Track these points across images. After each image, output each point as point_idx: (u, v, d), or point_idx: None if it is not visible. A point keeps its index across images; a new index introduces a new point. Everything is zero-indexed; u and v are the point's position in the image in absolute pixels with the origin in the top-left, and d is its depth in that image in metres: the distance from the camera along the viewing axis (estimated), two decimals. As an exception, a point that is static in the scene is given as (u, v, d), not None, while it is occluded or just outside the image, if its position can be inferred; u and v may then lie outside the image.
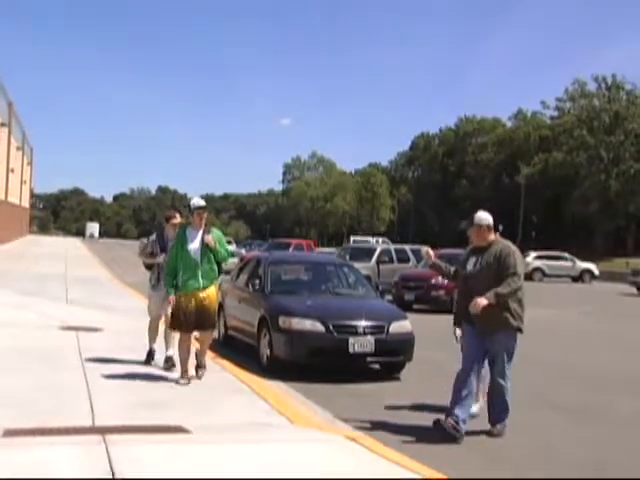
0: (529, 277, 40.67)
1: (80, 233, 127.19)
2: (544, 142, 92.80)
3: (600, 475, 6.93)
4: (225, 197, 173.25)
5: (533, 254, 51.79)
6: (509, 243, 8.41)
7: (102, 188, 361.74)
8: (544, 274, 49.26)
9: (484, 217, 8.44)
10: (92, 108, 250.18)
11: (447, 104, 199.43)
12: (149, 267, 10.66)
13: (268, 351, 11.35)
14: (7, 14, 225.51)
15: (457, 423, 7.68)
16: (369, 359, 11.12)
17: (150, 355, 10.27)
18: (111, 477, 5.34)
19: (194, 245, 9.39)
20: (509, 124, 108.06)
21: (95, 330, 13.04)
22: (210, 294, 9.42)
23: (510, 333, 8.16)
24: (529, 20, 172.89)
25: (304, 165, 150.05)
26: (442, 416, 7.83)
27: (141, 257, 10.80)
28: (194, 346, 9.61)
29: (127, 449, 6.03)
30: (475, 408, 8.52)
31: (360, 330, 10.83)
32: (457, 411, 7.81)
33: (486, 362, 8.42)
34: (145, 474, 5.42)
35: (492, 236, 8.40)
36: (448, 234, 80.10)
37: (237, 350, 12.02)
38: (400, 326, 11.23)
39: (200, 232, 9.42)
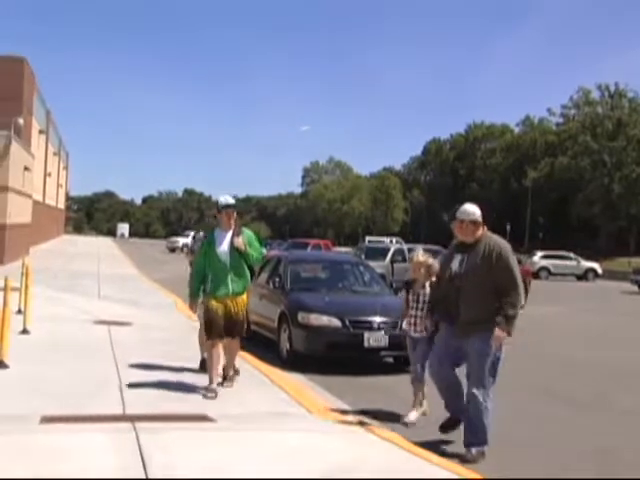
0: (536, 276, 40.55)
1: (111, 233, 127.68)
2: (550, 147, 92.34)
3: (601, 463, 6.93)
4: (247, 199, 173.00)
5: (539, 253, 51.71)
6: (499, 240, 7.13)
7: (132, 191, 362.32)
8: (550, 273, 49.14)
9: (470, 211, 7.14)
10: (123, 115, 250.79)
11: (458, 111, 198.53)
12: None
13: (288, 345, 11.39)
14: (40, 22, 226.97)
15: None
16: (383, 353, 11.13)
17: (203, 363, 9.09)
18: (141, 461, 5.38)
19: (223, 248, 8.36)
20: (517, 130, 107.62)
21: (125, 324, 13.11)
22: (239, 302, 8.40)
23: (486, 334, 6.80)
24: (537, 30, 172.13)
25: (322, 169, 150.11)
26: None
27: (188, 257, 10.27)
28: (223, 354, 8.54)
29: (155, 436, 6.07)
30: (412, 416, 7.88)
31: (375, 325, 10.85)
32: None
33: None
34: (172, 459, 5.47)
35: (479, 231, 7.08)
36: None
37: (259, 344, 12.04)
38: (412, 322, 11.16)
39: (229, 233, 8.40)
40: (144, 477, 5.06)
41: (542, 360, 13.37)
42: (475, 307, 6.86)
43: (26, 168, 34.25)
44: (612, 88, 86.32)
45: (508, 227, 74.59)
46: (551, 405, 9.48)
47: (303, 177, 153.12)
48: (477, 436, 6.77)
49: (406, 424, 7.72)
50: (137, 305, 16.90)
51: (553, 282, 44.65)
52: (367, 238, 57.30)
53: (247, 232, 8.66)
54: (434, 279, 7.97)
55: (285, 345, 11.51)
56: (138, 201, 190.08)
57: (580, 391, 10.48)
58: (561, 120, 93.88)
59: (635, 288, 38.84)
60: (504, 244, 7.07)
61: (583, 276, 50.52)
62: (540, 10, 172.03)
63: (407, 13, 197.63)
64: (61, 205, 75.31)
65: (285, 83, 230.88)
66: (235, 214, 8.56)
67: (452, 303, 7.11)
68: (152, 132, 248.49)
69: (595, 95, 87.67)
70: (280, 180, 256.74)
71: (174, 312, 15.98)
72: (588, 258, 54.88)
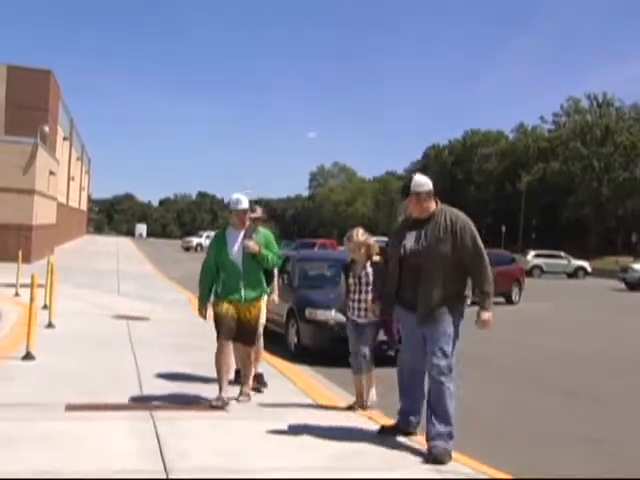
0: (529, 274, 40.55)
1: (130, 233, 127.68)
2: (543, 153, 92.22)
3: (597, 451, 6.93)
4: (257, 201, 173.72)
5: (532, 253, 51.68)
6: (457, 211, 6.06)
7: (149, 193, 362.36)
8: (542, 271, 49.07)
9: (423, 181, 6.06)
10: (142, 122, 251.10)
11: (456, 118, 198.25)
12: None
13: (296, 339, 11.41)
14: (64, 35, 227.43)
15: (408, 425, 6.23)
16: (384, 347, 11.13)
17: (239, 374, 7.78)
18: (158, 447, 5.42)
19: (235, 250, 7.18)
20: (511, 136, 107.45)
21: (143, 319, 13.14)
22: (252, 309, 7.23)
23: (450, 317, 5.83)
24: (531, 43, 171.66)
25: (328, 173, 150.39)
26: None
27: None
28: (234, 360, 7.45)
29: (171, 423, 6.11)
30: (373, 396, 7.47)
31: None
32: (430, 427, 5.78)
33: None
34: (187, 445, 5.50)
35: (433, 204, 6.05)
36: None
37: (268, 338, 12.06)
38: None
39: (242, 233, 7.26)
40: (161, 460, 5.08)
41: (535, 353, 13.37)
42: (438, 287, 5.79)
43: (51, 172, 34.36)
44: (600, 97, 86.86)
45: (503, 228, 74.61)
46: (542, 396, 9.48)
47: (310, 180, 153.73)
48: (445, 428, 5.71)
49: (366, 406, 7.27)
50: (154, 301, 16.94)
51: (545, 280, 44.65)
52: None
53: (263, 232, 7.47)
54: (375, 259, 7.37)
55: (293, 339, 11.53)
56: (155, 203, 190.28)
57: (571, 382, 10.48)
58: (553, 127, 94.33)
59: (622, 285, 38.72)
60: (464, 215, 6.05)
61: (574, 274, 50.53)
62: (534, 24, 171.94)
63: (412, 28, 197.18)
64: (83, 207, 75.43)
65: (295, 95, 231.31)
66: (247, 217, 7.36)
67: (408, 285, 5.98)
68: (168, 138, 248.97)
69: (584, 104, 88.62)
70: (288, 183, 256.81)
71: (189, 308, 16.00)
72: (578, 257, 54.90)
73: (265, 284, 7.56)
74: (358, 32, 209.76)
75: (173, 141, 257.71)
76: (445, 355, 5.80)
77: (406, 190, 6.11)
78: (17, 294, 15.70)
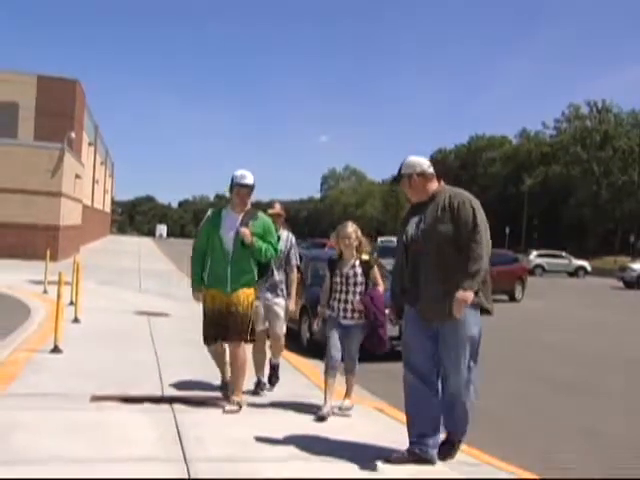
0: (531, 273, 40.46)
1: (151, 233, 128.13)
2: (544, 157, 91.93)
3: (594, 441, 6.91)
4: (271, 203, 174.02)
5: (535, 252, 51.68)
6: (463, 191, 5.26)
7: (169, 195, 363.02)
8: (544, 270, 48.97)
9: (415, 162, 5.29)
10: (162, 128, 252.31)
11: (461, 123, 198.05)
12: None
13: (308, 334, 11.42)
14: (89, 47, 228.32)
15: (424, 452, 5.11)
16: (394, 342, 11.10)
17: (259, 384, 7.33)
18: (177, 435, 5.46)
19: (228, 234, 6.30)
20: (514, 141, 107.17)
21: (163, 315, 13.17)
22: (240, 298, 6.27)
23: (465, 318, 4.89)
24: (534, 52, 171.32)
25: (339, 176, 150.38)
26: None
27: None
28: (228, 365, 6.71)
29: (189, 415, 6.13)
30: (347, 403, 6.70)
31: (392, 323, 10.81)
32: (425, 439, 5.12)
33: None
34: (204, 434, 5.53)
35: (434, 184, 5.26)
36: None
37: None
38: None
39: (240, 217, 6.36)
40: (180, 449, 5.12)
41: (537, 348, 13.33)
42: (441, 274, 4.94)
43: (77, 176, 34.53)
44: (599, 104, 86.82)
45: (507, 229, 74.34)
46: (544, 389, 9.46)
47: (322, 184, 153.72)
48: (461, 435, 5.27)
49: (323, 417, 6.24)
50: (173, 298, 16.96)
51: (547, 279, 44.53)
52: (379, 238, 57.17)
53: (263, 218, 6.53)
54: (365, 257, 6.61)
55: (305, 335, 11.56)
56: (174, 205, 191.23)
57: (571, 377, 10.45)
58: (554, 133, 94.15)
59: (621, 284, 38.60)
60: (469, 195, 5.19)
61: (574, 273, 50.41)
62: (537, 34, 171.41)
63: (417, 39, 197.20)
64: (107, 209, 75.68)
65: (307, 101, 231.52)
66: (248, 196, 6.44)
67: (410, 276, 5.19)
68: (187, 142, 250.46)
69: (584, 110, 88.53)
70: (301, 186, 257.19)
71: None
72: (578, 257, 54.82)
73: (256, 275, 6.52)
74: (365, 40, 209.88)
75: (192, 145, 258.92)
76: (459, 365, 4.98)
77: (398, 174, 5.39)
78: (45, 291, 15.79)
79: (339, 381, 6.72)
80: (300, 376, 8.51)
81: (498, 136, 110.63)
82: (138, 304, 14.68)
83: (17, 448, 4.96)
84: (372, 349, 6.59)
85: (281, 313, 7.36)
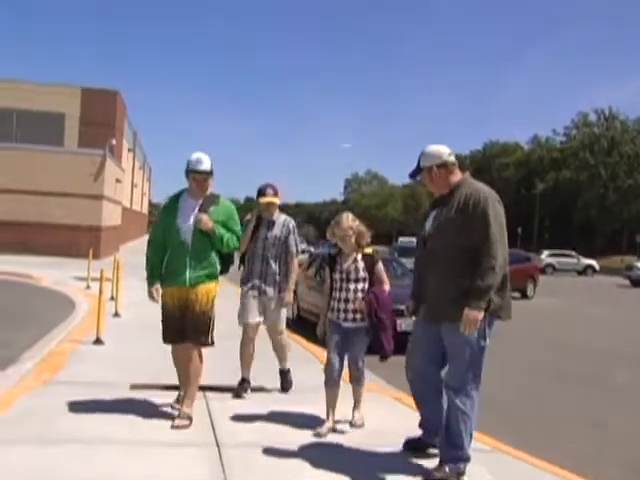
0: (543, 271, 40.19)
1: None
2: (555, 162, 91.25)
3: (597, 431, 6.84)
4: (297, 205, 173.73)
5: (546, 252, 51.56)
6: (482, 186, 4.57)
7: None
8: (554, 269, 48.68)
9: (435, 152, 4.65)
10: (195, 134, 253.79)
11: (476, 130, 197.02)
12: (242, 261, 6.75)
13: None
14: (129, 58, 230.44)
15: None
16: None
17: (243, 383, 6.66)
18: (209, 421, 5.54)
19: (186, 222, 5.36)
20: (526, 147, 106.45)
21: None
22: (197, 296, 5.37)
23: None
24: (543, 61, 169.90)
25: (361, 180, 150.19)
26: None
27: (242, 247, 6.43)
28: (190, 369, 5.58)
29: (221, 402, 6.19)
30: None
31: (406, 312, 10.77)
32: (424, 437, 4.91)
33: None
34: (234, 420, 5.61)
35: (456, 176, 4.63)
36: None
37: (306, 328, 12.07)
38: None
39: (199, 203, 5.44)
40: (213, 434, 5.18)
41: (547, 343, 13.23)
42: (446, 278, 4.43)
43: (117, 180, 34.85)
44: (606, 112, 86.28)
45: (519, 230, 73.87)
46: (553, 383, 9.38)
47: (345, 187, 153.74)
48: (449, 452, 4.50)
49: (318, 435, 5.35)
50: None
51: (557, 277, 44.19)
52: (399, 239, 57.01)
53: (225, 204, 5.57)
54: (368, 251, 5.58)
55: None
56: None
57: (580, 370, 10.36)
58: (564, 139, 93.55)
59: (627, 282, 38.22)
60: (487, 191, 4.53)
61: (583, 272, 50.11)
62: (547, 43, 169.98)
63: (439, 49, 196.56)
64: (145, 210, 76.23)
65: (331, 110, 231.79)
66: (208, 183, 5.46)
67: (422, 274, 4.78)
68: (218, 148, 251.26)
69: (592, 118, 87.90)
70: (325, 189, 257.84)
71: (237, 298, 16.05)
72: (587, 256, 54.40)
73: (219, 267, 5.58)
74: (382, 50, 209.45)
75: (223, 150, 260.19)
76: (457, 373, 4.49)
77: (417, 167, 4.75)
78: (88, 287, 15.95)
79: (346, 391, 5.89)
80: (322, 366, 8.48)
81: (511, 142, 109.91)
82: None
83: (64, 430, 5.06)
84: (383, 355, 5.63)
85: (280, 308, 6.63)
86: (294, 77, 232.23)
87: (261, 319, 6.62)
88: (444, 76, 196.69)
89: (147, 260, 5.58)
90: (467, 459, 4.52)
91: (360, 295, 5.49)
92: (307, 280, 13.59)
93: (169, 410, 5.81)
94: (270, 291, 6.57)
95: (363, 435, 5.37)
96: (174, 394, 6.31)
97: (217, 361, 8.18)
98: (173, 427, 5.25)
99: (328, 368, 5.54)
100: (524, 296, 24.09)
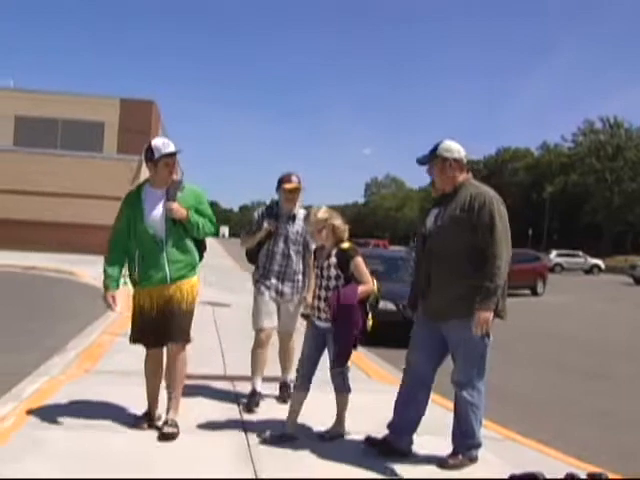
0: (552, 270, 39.95)
1: (215, 234, 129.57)
2: (563, 167, 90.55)
3: (603, 420, 6.78)
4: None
5: (555, 252, 51.37)
6: (487, 188, 4.35)
7: (231, 201, 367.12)
8: (563, 268, 48.43)
9: (454, 147, 4.43)
10: (226, 140, 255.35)
11: (490, 137, 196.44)
12: (252, 258, 6.03)
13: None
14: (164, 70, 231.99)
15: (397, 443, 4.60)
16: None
17: (253, 395, 5.68)
18: (238, 408, 5.58)
19: (154, 215, 4.70)
20: (536, 153, 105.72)
21: (225, 305, 13.28)
22: (182, 295, 4.75)
23: (470, 321, 4.17)
24: (553, 70, 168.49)
25: (380, 184, 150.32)
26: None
27: (243, 244, 6.06)
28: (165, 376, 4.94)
29: (248, 389, 6.18)
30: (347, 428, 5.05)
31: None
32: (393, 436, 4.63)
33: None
34: (261, 408, 5.63)
35: (461, 176, 4.39)
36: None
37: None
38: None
39: (163, 192, 4.74)
40: (240, 420, 5.22)
41: (556, 338, 13.13)
42: (451, 276, 4.26)
43: (152, 184, 35.03)
44: (612, 120, 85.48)
45: (530, 231, 73.37)
46: (560, 374, 9.31)
47: (365, 190, 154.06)
48: (461, 441, 4.46)
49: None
50: (234, 290, 17.07)
51: (565, 276, 43.87)
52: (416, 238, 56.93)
53: (191, 188, 4.84)
54: (345, 245, 4.75)
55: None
56: (235, 209, 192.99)
57: (586, 364, 10.27)
58: (572, 145, 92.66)
59: (631, 280, 37.97)
60: (492, 193, 4.30)
61: (589, 271, 49.81)
62: (556, 55, 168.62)
63: (453, 67, 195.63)
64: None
65: (353, 118, 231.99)
66: (175, 166, 4.79)
67: (424, 273, 4.47)
68: (247, 153, 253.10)
69: (598, 125, 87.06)
70: (346, 192, 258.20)
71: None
72: (593, 256, 53.92)
73: (197, 256, 4.91)
74: (404, 62, 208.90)
75: (250, 155, 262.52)
76: (464, 368, 4.38)
77: (433, 154, 4.42)
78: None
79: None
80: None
81: (522, 148, 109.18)
82: (204, 295, 14.78)
83: (104, 415, 5.11)
84: (341, 359, 4.82)
85: (298, 310, 5.85)
86: (319, 88, 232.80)
87: (276, 322, 5.78)
88: (461, 86, 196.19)
89: (106, 261, 4.86)
90: (479, 445, 4.52)
91: (331, 293, 4.69)
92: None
93: (200, 397, 5.84)
94: (288, 292, 5.75)
95: (376, 425, 5.36)
96: (205, 382, 6.34)
97: (246, 353, 8.24)
98: (160, 439, 4.58)
99: (297, 372, 4.90)
100: (534, 293, 23.99)
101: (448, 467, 4.40)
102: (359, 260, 4.73)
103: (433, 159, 4.43)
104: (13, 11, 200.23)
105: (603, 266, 51.72)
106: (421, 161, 4.54)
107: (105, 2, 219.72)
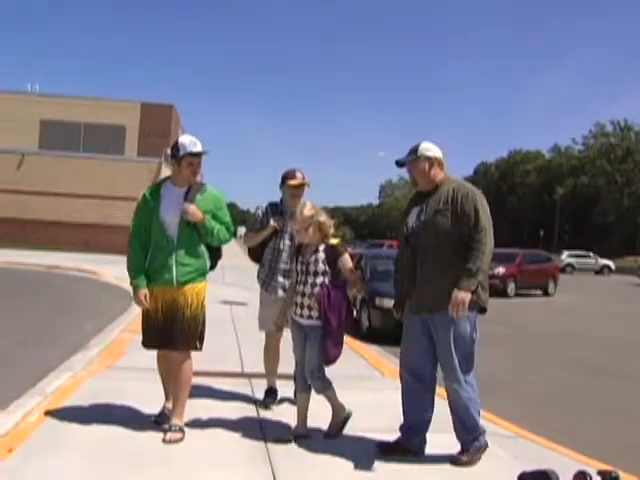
0: (563, 270, 39.73)
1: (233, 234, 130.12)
2: (574, 169, 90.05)
3: (612, 416, 6.73)
4: (336, 208, 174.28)
5: (566, 253, 51.15)
6: (466, 183, 4.42)
7: (248, 202, 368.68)
8: (574, 268, 48.21)
9: (435, 147, 4.44)
10: (242, 143, 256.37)
11: (502, 139, 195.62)
12: (255, 256, 5.96)
13: (367, 323, 11.39)
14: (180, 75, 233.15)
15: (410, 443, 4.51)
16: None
17: (270, 393, 5.68)
18: (254, 405, 5.60)
19: (170, 214, 4.48)
20: (547, 155, 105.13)
21: (242, 304, 13.31)
22: (187, 300, 4.53)
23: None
24: (564, 74, 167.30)
25: (394, 186, 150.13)
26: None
27: (247, 243, 6.04)
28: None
29: (264, 387, 6.18)
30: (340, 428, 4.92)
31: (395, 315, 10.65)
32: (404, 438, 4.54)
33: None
34: (277, 405, 5.65)
35: (441, 174, 4.39)
36: (499, 237, 79.05)
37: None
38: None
39: (183, 192, 4.54)
40: (257, 416, 5.24)
41: (566, 336, 13.04)
42: (436, 272, 4.20)
43: (172, 185, 35.22)
44: (622, 123, 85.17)
45: (541, 232, 73.01)
46: (570, 371, 9.25)
47: (380, 192, 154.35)
48: (465, 437, 4.41)
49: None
50: (251, 290, 17.02)
51: (576, 276, 43.60)
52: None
53: (212, 192, 4.64)
54: (333, 242, 4.63)
55: (365, 323, 11.53)
56: (252, 210, 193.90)
57: (596, 361, 10.20)
58: (582, 148, 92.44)
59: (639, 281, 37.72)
60: (474, 187, 4.33)
61: (600, 271, 49.56)
62: (568, 59, 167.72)
63: (467, 73, 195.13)
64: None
65: (367, 120, 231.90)
66: (199, 167, 4.58)
67: (409, 270, 4.37)
68: (263, 155, 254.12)
69: (609, 128, 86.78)
70: (361, 194, 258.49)
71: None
72: (603, 257, 53.58)
73: (208, 263, 4.72)
74: (420, 70, 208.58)
75: (267, 158, 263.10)
76: (453, 365, 4.26)
77: (414, 154, 4.39)
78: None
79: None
80: (360, 359, 8.47)
81: (533, 151, 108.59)
82: (222, 295, 14.88)
83: (127, 411, 5.13)
84: (326, 360, 4.61)
85: None
86: (336, 92, 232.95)
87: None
88: (474, 91, 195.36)
89: (130, 259, 4.60)
90: (483, 433, 4.48)
91: (318, 290, 4.51)
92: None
93: (218, 394, 5.86)
94: None
95: (390, 424, 5.34)
96: (223, 379, 6.36)
97: (262, 351, 8.28)
98: (165, 442, 4.41)
99: (297, 372, 4.76)
100: (546, 293, 23.89)
101: (461, 464, 4.37)
102: (347, 257, 4.66)
103: (415, 159, 4.41)
104: (39, 18, 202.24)
105: (613, 267, 51.48)
106: (400, 163, 4.52)
107: (127, 14, 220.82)
